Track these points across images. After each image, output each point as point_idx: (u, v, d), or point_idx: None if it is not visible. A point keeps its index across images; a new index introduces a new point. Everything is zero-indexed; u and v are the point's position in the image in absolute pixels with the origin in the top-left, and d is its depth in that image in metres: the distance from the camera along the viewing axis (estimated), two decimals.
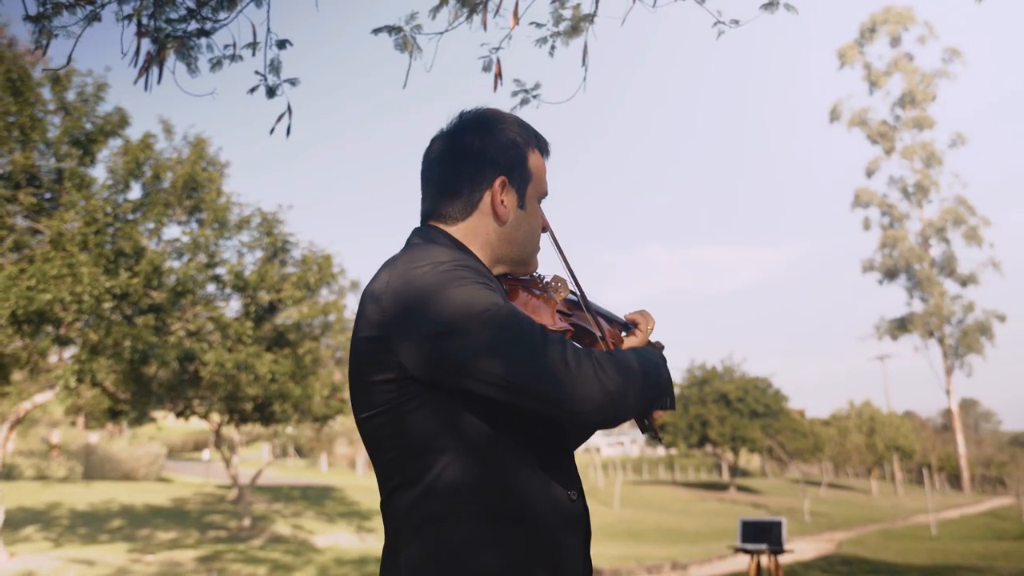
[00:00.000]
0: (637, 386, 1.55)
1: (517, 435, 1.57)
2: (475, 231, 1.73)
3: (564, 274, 1.85)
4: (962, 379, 70.20)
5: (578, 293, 1.86)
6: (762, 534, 9.02)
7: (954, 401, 60.28)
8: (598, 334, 1.82)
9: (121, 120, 14.29)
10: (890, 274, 59.37)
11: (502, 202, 1.73)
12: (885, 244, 59.38)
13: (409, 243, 1.74)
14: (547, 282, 1.85)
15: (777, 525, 9.08)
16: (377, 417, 1.58)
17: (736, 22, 4.78)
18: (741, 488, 45.87)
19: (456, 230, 1.73)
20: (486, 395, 1.50)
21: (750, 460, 62.43)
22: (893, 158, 61.25)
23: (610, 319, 1.95)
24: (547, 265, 1.88)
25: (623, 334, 1.96)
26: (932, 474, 55.45)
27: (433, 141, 1.82)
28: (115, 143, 14.52)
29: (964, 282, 58.48)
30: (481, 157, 1.73)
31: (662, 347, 2.01)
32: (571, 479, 1.66)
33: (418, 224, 1.80)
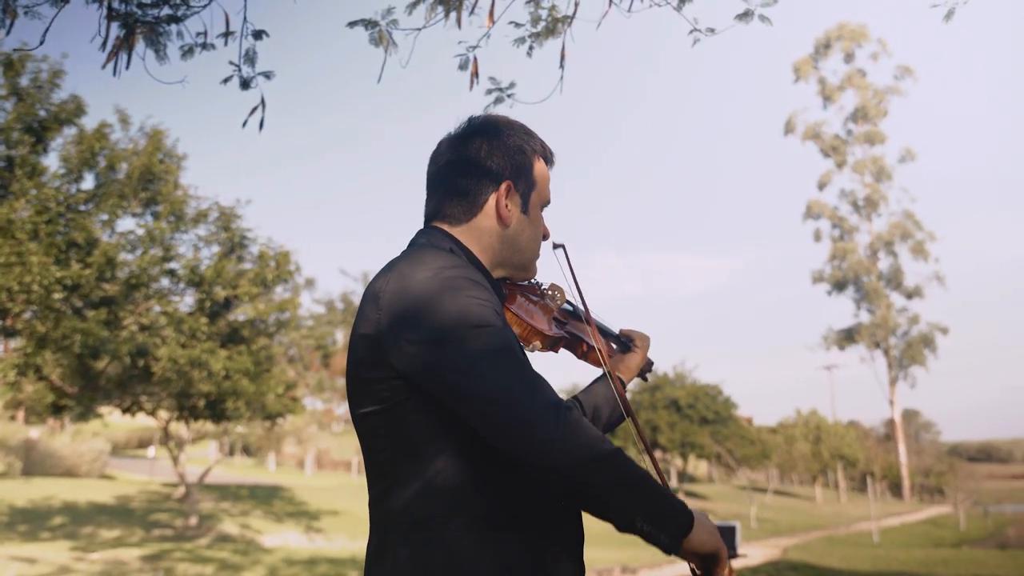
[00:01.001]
0: (597, 461, 1.46)
1: None
2: (478, 234, 1.75)
3: (567, 284, 1.87)
4: (905, 390, 71.47)
5: (574, 304, 1.88)
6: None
7: (897, 411, 61.55)
8: (592, 344, 1.83)
9: (77, 108, 13.98)
10: (839, 285, 60.46)
11: (506, 206, 1.76)
12: (835, 256, 60.46)
13: (414, 243, 1.75)
14: (544, 289, 1.86)
15: (731, 530, 9.18)
16: (373, 416, 1.58)
17: (712, 30, 4.82)
18: (689, 494, 46.29)
19: (459, 231, 1.75)
20: (451, 406, 1.50)
21: (698, 466, 63.04)
22: (845, 172, 62.42)
23: (605, 332, 1.96)
24: (546, 273, 1.90)
25: (615, 347, 1.97)
26: (875, 482, 56.47)
27: (440, 144, 1.84)
28: (70, 131, 14.21)
29: (910, 295, 59.77)
30: (488, 162, 1.76)
31: (652, 364, 2.03)
32: None
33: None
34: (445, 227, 1.76)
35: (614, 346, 1.99)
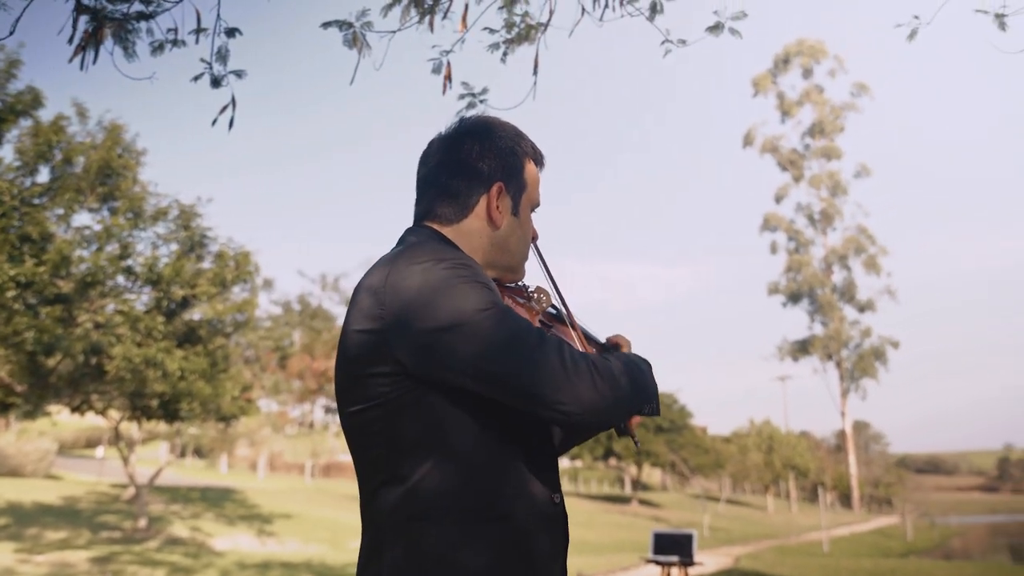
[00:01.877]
0: (627, 391, 1.58)
1: (507, 437, 1.58)
2: (468, 234, 1.75)
3: (547, 286, 1.87)
4: (856, 402, 72.64)
5: (559, 306, 1.88)
6: (674, 546, 9.17)
7: (848, 423, 62.49)
8: (577, 347, 1.82)
9: (34, 100, 13.68)
10: (794, 297, 61.27)
11: (497, 208, 1.75)
12: (790, 268, 61.29)
13: (405, 240, 1.74)
14: (531, 292, 1.86)
15: (688, 538, 9.25)
16: (368, 411, 1.57)
17: (683, 42, 4.86)
18: (643, 502, 46.53)
19: (449, 232, 1.75)
20: (481, 392, 1.52)
21: (651, 474, 63.44)
22: (801, 185, 63.35)
23: (588, 336, 1.96)
24: (530, 276, 1.90)
25: (595, 351, 1.97)
26: (825, 493, 57.23)
27: (431, 144, 1.83)
28: (26, 123, 13.90)
29: (862, 308, 60.78)
30: (480, 162, 1.76)
31: None
32: (554, 483, 1.68)
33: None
34: (436, 227, 1.75)
35: (595, 351, 1.99)
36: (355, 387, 1.58)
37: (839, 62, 64.19)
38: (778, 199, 63.35)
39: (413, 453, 1.53)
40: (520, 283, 1.88)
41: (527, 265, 1.87)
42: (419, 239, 1.71)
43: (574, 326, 1.87)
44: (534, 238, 1.86)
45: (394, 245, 1.76)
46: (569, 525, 1.71)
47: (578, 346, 1.84)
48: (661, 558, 9.23)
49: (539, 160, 1.87)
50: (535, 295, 1.87)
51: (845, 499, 65.49)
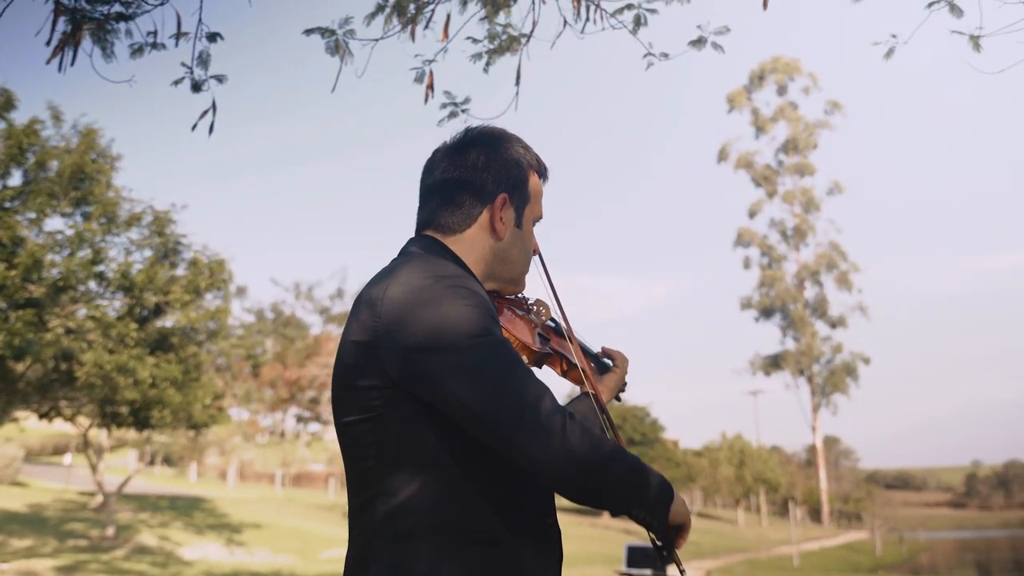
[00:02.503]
0: (606, 462, 1.51)
1: (498, 457, 1.56)
2: (471, 245, 1.73)
3: (549, 299, 1.87)
4: (827, 417, 73.11)
5: (557, 320, 1.88)
6: (647, 559, 9.19)
7: (819, 438, 62.88)
8: (575, 362, 1.83)
9: (7, 102, 13.52)
10: (766, 312, 61.67)
11: (501, 219, 1.74)
12: (763, 283, 61.71)
13: (407, 252, 1.73)
14: (530, 304, 1.86)
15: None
16: (360, 424, 1.56)
17: (666, 55, 4.89)
18: (615, 515, 46.54)
19: (452, 242, 1.73)
20: (456, 420, 1.50)
21: None
22: (775, 201, 63.84)
23: (586, 352, 1.96)
24: (532, 288, 1.90)
25: (593, 366, 1.98)
26: (795, 507, 57.52)
27: (435, 153, 1.82)
28: None
29: (834, 324, 61.28)
30: (485, 173, 1.75)
31: (627, 384, 2.05)
32: (548, 504, 1.67)
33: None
34: (438, 236, 1.74)
35: (592, 365, 1.99)
36: (349, 398, 1.57)
37: (813, 80, 64.90)
38: (752, 214, 63.81)
39: (403, 469, 1.52)
40: (520, 295, 1.88)
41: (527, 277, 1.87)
42: (421, 250, 1.69)
43: (572, 340, 1.87)
44: (535, 251, 1.85)
45: (396, 255, 1.75)
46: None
47: (573, 358, 1.84)
48: (635, 571, 9.24)
49: (543, 173, 1.87)
50: (534, 308, 1.87)
51: (815, 514, 65.82)
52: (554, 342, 1.86)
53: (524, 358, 1.79)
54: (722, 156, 64.68)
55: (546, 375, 1.89)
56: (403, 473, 1.52)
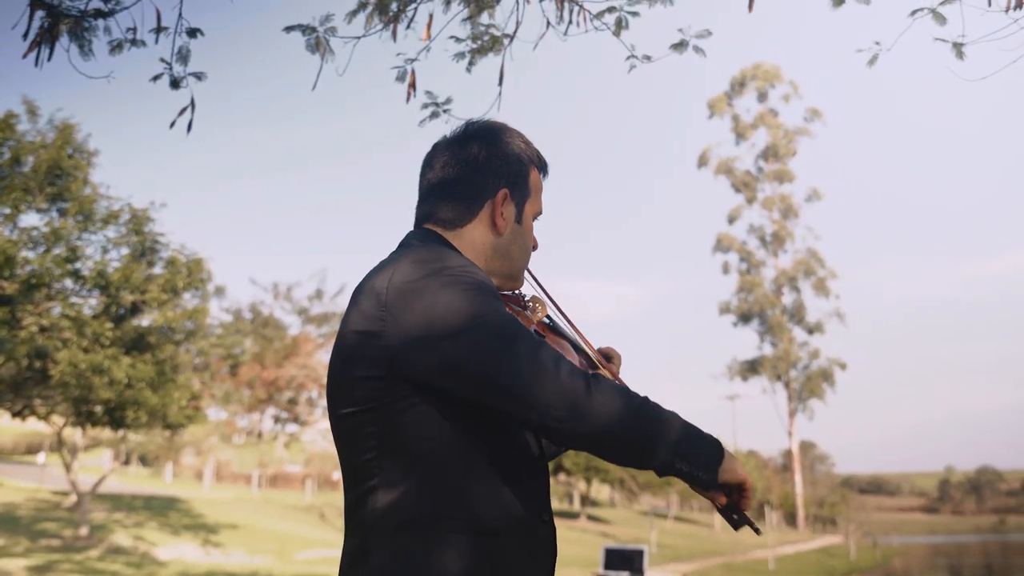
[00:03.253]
0: (630, 413, 1.49)
1: (498, 452, 1.57)
2: (471, 239, 1.73)
3: (542, 297, 1.87)
4: (803, 422, 73.57)
5: (553, 319, 1.88)
6: (624, 562, 9.21)
7: (795, 443, 63.24)
8: (573, 359, 1.83)
9: None
10: (745, 318, 61.97)
11: (501, 214, 1.74)
12: (742, 289, 62.02)
13: (408, 244, 1.72)
14: (527, 301, 1.86)
15: (639, 554, 9.29)
16: (360, 415, 1.54)
17: (648, 58, 4.91)
18: (591, 517, 46.59)
19: (452, 236, 1.73)
20: (474, 397, 1.50)
21: (600, 490, 63.58)
22: (754, 207, 64.16)
23: (579, 350, 1.96)
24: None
25: (585, 364, 1.98)
26: (771, 511, 57.78)
27: (436, 147, 1.81)
28: None
29: (811, 330, 61.65)
30: (487, 168, 1.74)
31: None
32: (543, 501, 1.66)
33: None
34: (438, 230, 1.73)
35: (586, 363, 2.00)
36: (348, 389, 1.56)
37: (794, 87, 65.32)
38: (731, 220, 64.11)
39: (402, 461, 1.51)
40: (517, 292, 1.87)
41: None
42: (422, 242, 1.69)
43: (568, 338, 1.87)
44: (534, 247, 1.85)
45: (395, 248, 1.74)
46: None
47: (574, 358, 1.83)
48: (611, 573, 9.25)
49: (544, 168, 1.86)
50: (531, 304, 1.86)
51: (791, 518, 66.17)
52: (549, 339, 1.86)
53: None
54: (702, 162, 64.96)
55: None
56: (403, 464, 1.51)
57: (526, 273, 1.86)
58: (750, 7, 4.28)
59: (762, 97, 65.55)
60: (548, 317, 1.89)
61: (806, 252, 62.53)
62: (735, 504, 1.60)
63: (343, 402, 1.57)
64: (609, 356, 2.01)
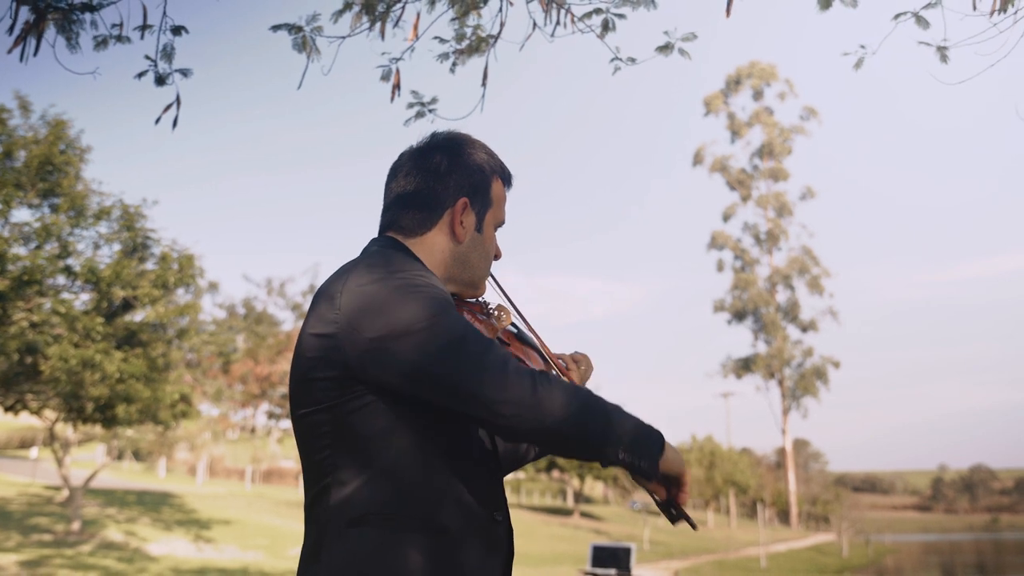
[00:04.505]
0: (577, 409, 1.52)
1: (450, 450, 1.60)
2: (431, 247, 1.77)
3: (506, 304, 1.90)
4: (797, 420, 73.74)
5: (519, 326, 1.90)
6: (612, 559, 9.24)
7: (788, 441, 63.35)
8: (535, 367, 1.86)
9: None
10: (739, 315, 62.07)
11: (461, 223, 1.78)
12: (736, 286, 62.10)
13: (367, 250, 1.76)
14: (491, 309, 1.89)
15: (626, 551, 9.32)
16: (316, 414, 1.59)
17: (633, 60, 4.93)
18: (584, 515, 46.68)
19: (414, 243, 1.77)
20: (424, 397, 1.53)
21: (594, 487, 63.67)
22: (749, 205, 64.23)
23: (547, 358, 1.99)
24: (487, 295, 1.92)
25: (554, 373, 2.01)
26: (764, 509, 57.84)
27: (401, 156, 1.86)
28: None
29: (805, 328, 61.78)
30: (447, 177, 1.78)
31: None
32: (497, 500, 1.69)
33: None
34: (399, 238, 1.78)
35: (554, 371, 2.03)
36: (306, 390, 1.60)
37: (789, 85, 65.39)
38: (726, 218, 64.20)
39: (356, 459, 1.55)
40: (481, 300, 1.90)
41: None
42: (380, 249, 1.73)
43: (534, 346, 1.90)
44: (497, 256, 1.88)
45: (359, 254, 1.78)
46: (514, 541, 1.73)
47: (537, 364, 1.86)
48: (599, 570, 9.29)
49: (508, 179, 1.90)
50: (495, 312, 1.89)
51: (784, 515, 66.36)
52: (513, 347, 1.89)
53: None
54: (697, 160, 65.03)
55: None
56: (356, 463, 1.55)
57: (493, 283, 1.89)
58: (727, 12, 4.30)
59: (758, 95, 65.62)
60: (514, 325, 1.92)
61: (800, 250, 62.67)
62: (673, 498, 1.65)
63: (301, 402, 1.61)
64: (579, 362, 2.04)
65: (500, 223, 1.88)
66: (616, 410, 1.58)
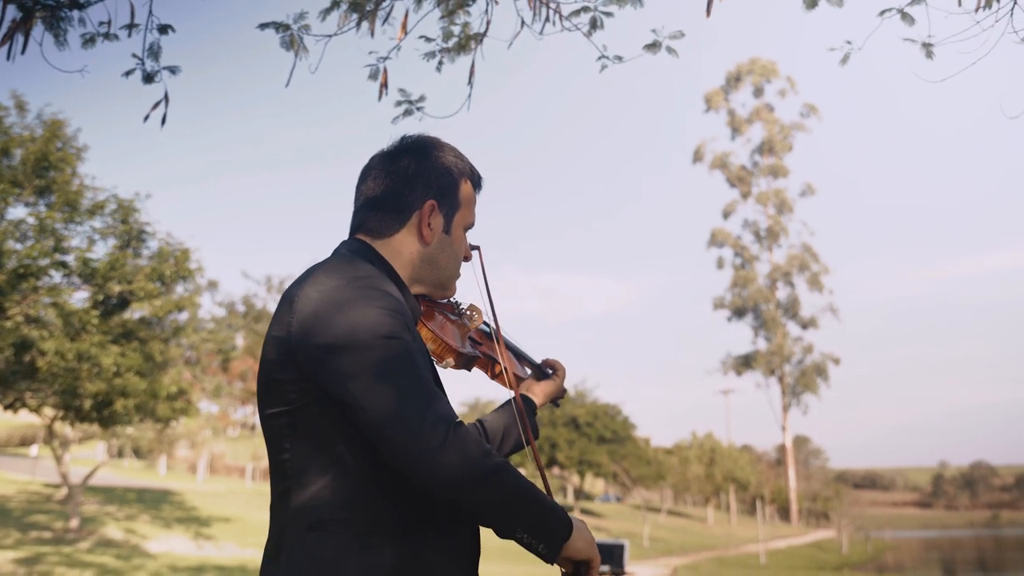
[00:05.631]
0: (486, 479, 1.50)
1: None
2: (399, 249, 1.78)
3: (483, 303, 1.91)
4: (797, 416, 73.68)
5: (491, 325, 1.91)
6: (605, 556, 9.24)
7: (789, 437, 63.35)
8: (504, 366, 1.87)
9: None
10: (739, 312, 62.04)
11: (428, 225, 1.78)
12: (736, 283, 62.06)
13: (335, 252, 1.77)
14: (463, 310, 1.90)
15: (619, 548, 9.34)
16: (279, 416, 1.60)
17: (620, 58, 4.93)
18: (585, 511, 46.70)
19: (380, 245, 1.78)
20: (351, 416, 1.53)
21: (594, 484, 63.71)
22: (749, 202, 64.17)
23: (521, 356, 2.00)
24: (470, 294, 1.94)
25: (528, 372, 2.02)
26: (764, 506, 57.90)
27: (371, 159, 1.87)
28: None
29: (805, 325, 61.76)
30: (415, 180, 1.79)
31: (566, 391, 2.09)
32: None
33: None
34: (367, 240, 1.79)
35: (528, 371, 2.03)
36: (271, 391, 1.61)
37: (790, 82, 65.33)
38: (726, 215, 64.19)
39: (317, 461, 1.56)
40: (453, 300, 1.91)
41: (465, 282, 1.89)
42: (347, 251, 1.74)
43: (500, 341, 1.91)
44: (467, 257, 1.89)
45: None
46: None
47: (508, 363, 1.88)
48: None
49: (477, 182, 1.91)
50: (467, 312, 1.90)
51: (784, 512, 66.39)
52: (485, 346, 1.89)
53: (450, 360, 1.83)
54: (697, 156, 65.00)
55: (479, 378, 1.90)
56: (317, 465, 1.56)
57: (478, 273, 1.90)
58: (708, 12, 4.31)
59: (758, 92, 65.57)
60: (486, 324, 1.93)
61: (800, 247, 62.65)
62: (581, 575, 1.64)
63: (266, 403, 1.63)
64: (553, 367, 2.05)
65: (469, 225, 1.89)
66: (524, 490, 1.55)
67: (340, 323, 1.53)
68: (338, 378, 1.51)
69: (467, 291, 1.94)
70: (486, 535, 1.70)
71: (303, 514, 1.55)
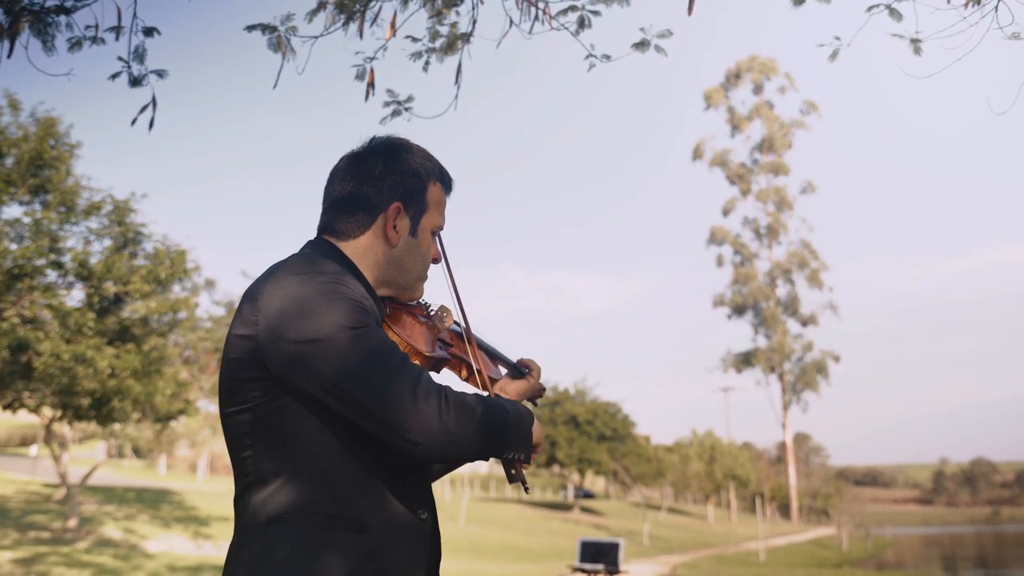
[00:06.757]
0: (480, 431, 1.57)
1: (370, 449, 1.60)
2: (365, 251, 1.78)
3: (452, 306, 1.90)
4: (797, 414, 73.74)
5: (462, 325, 1.90)
6: (600, 555, 9.25)
7: (789, 435, 63.37)
8: (476, 367, 1.86)
9: None
10: (739, 310, 62.03)
11: (394, 227, 1.78)
12: (736, 281, 62.06)
13: (299, 251, 1.77)
14: (432, 311, 1.89)
15: (615, 547, 9.34)
16: (240, 414, 1.60)
17: (608, 57, 4.93)
18: (585, 509, 46.72)
19: (346, 246, 1.78)
20: (334, 409, 1.54)
21: (595, 482, 63.74)
22: (748, 199, 64.16)
23: (495, 356, 1.99)
24: (439, 296, 1.92)
25: (504, 372, 2.01)
26: (764, 503, 57.94)
27: (340, 160, 1.87)
28: None
29: (805, 322, 61.76)
30: (381, 181, 1.79)
31: (544, 390, 2.08)
32: (421, 498, 1.70)
33: (309, 236, 1.84)
34: (333, 241, 1.79)
35: (502, 371, 2.02)
36: (231, 390, 1.61)
37: (789, 80, 65.29)
38: (725, 212, 64.18)
39: (277, 458, 1.57)
40: (422, 302, 1.90)
41: (443, 286, 1.89)
42: (311, 251, 1.75)
43: (471, 341, 1.90)
44: (435, 260, 1.88)
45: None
46: (441, 541, 1.75)
47: (475, 363, 1.87)
48: (587, 566, 9.31)
49: (447, 184, 1.91)
50: (437, 313, 1.89)
51: (784, 509, 66.42)
52: (456, 348, 1.88)
53: (417, 363, 1.81)
54: (697, 154, 64.95)
55: (449, 380, 1.90)
56: (276, 462, 1.57)
57: (446, 277, 1.89)
58: (689, 10, 4.30)
59: (758, 89, 65.54)
60: (457, 324, 1.93)
61: (800, 244, 62.64)
62: (528, 456, 1.73)
63: (227, 401, 1.63)
64: (528, 367, 2.04)
65: (438, 228, 1.88)
66: (503, 415, 1.64)
67: (310, 320, 1.53)
68: (316, 375, 1.52)
69: (435, 293, 1.93)
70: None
71: (263, 509, 1.56)
